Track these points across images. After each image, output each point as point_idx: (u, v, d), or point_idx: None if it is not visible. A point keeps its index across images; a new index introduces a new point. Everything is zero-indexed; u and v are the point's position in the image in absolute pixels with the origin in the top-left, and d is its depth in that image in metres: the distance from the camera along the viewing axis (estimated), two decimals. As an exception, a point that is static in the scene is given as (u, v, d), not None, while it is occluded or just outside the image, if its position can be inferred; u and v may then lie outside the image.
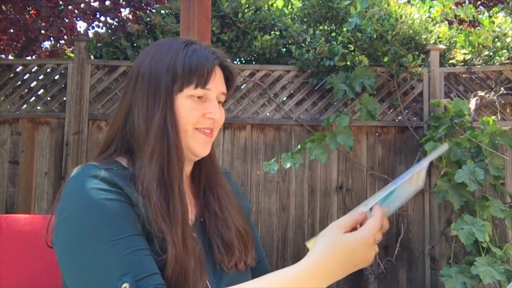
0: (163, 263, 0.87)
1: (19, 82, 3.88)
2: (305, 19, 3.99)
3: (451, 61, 3.98)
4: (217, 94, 1.01)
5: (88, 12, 4.06)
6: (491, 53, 3.84)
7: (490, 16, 3.95)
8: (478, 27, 4.10)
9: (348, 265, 0.84)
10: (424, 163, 0.91)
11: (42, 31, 4.26)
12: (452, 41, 4.00)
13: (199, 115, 0.98)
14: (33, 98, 3.88)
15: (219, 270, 0.97)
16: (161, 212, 0.90)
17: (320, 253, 0.83)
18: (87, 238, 0.83)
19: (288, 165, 3.33)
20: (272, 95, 3.80)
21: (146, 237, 0.88)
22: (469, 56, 3.90)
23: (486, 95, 3.66)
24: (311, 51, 3.67)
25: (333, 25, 3.93)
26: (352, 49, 3.74)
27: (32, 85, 3.88)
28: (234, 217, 1.05)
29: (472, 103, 3.60)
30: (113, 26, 3.98)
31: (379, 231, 0.86)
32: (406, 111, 3.80)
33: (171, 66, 0.96)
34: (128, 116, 0.99)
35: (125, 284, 0.79)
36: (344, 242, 0.83)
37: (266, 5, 3.98)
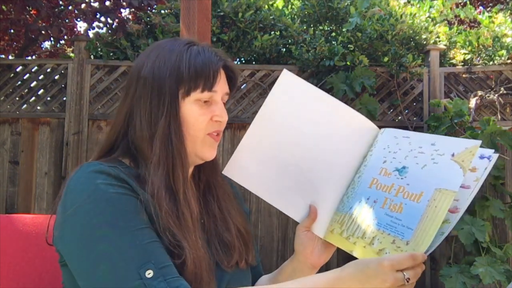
0: (177, 267, 0.85)
1: (19, 82, 3.88)
2: (305, 19, 3.98)
3: (451, 61, 3.98)
4: (221, 95, 1.00)
5: (88, 13, 4.06)
6: (491, 53, 3.84)
7: (490, 16, 3.95)
8: (478, 27, 4.11)
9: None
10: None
11: (42, 31, 4.26)
12: (452, 41, 4.00)
13: (208, 120, 0.97)
14: (33, 98, 3.88)
15: (219, 269, 0.96)
16: (172, 218, 0.89)
17: (351, 269, 0.86)
18: (101, 231, 0.82)
19: (288, 165, 3.32)
20: (272, 95, 3.79)
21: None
22: (469, 56, 3.90)
23: (486, 95, 3.66)
24: (311, 51, 3.67)
25: (333, 25, 3.93)
26: (352, 49, 3.74)
27: (32, 85, 3.89)
28: (234, 217, 1.04)
29: (472, 103, 3.60)
30: (113, 27, 3.98)
31: (411, 268, 0.86)
32: (406, 111, 3.80)
33: (175, 70, 0.93)
34: (129, 121, 0.96)
35: (149, 271, 0.79)
36: (366, 263, 0.86)
37: (266, 5, 3.98)
